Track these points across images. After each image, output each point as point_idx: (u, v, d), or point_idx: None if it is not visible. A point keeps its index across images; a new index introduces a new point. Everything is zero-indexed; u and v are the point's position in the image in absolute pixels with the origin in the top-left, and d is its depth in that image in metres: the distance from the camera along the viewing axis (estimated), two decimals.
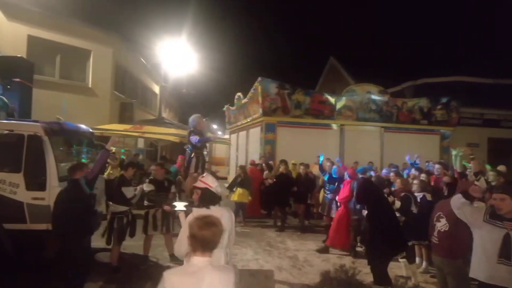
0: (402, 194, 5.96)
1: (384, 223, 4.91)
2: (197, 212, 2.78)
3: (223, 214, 3.08)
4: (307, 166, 9.91)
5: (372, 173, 8.55)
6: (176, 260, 6.42)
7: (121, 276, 5.66)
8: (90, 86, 14.61)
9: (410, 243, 5.90)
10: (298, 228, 9.47)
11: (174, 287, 2.04)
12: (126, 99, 16.93)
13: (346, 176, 7.48)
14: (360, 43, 27.40)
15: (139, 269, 6.06)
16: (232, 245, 3.43)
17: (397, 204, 5.81)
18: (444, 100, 13.40)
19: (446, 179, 6.73)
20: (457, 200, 3.60)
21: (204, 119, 6.95)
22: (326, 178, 8.50)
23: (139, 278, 5.62)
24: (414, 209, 5.76)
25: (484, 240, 3.27)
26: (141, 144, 18.39)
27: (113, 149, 10.73)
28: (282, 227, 9.29)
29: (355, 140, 12.62)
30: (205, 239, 2.12)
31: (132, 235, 6.16)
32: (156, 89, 23.37)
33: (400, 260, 6.02)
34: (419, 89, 17.19)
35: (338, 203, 7.63)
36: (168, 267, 6.01)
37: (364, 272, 5.70)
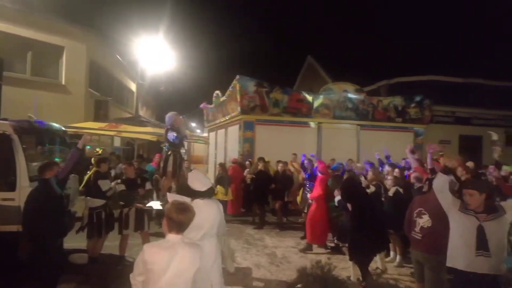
0: (374, 182, 6.27)
1: (368, 221, 4.99)
2: (173, 197, 3.14)
3: (211, 206, 3.54)
4: (285, 163, 10.00)
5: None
6: None
7: (96, 277, 5.55)
8: (63, 83, 14.22)
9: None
10: (276, 225, 9.53)
11: (151, 258, 2.44)
12: (101, 97, 16.55)
13: (316, 172, 7.55)
14: (337, 42, 27.79)
15: (115, 269, 5.96)
16: (224, 233, 3.80)
17: (372, 188, 6.10)
18: (417, 98, 13.75)
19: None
20: (439, 181, 3.65)
21: (181, 117, 6.87)
22: (307, 176, 8.59)
23: (114, 278, 5.52)
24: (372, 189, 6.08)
25: (460, 230, 3.38)
26: (117, 142, 18.06)
27: (99, 150, 10.57)
28: (261, 224, 9.34)
29: (332, 138, 12.78)
30: (180, 222, 2.53)
31: (109, 230, 6.17)
32: (133, 86, 22.96)
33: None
34: (393, 88, 17.58)
35: (310, 200, 7.63)
36: None
37: (340, 267, 5.82)
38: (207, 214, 3.45)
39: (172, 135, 6.44)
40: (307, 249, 7.36)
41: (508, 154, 14.11)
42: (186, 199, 3.18)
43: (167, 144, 6.61)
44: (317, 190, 7.27)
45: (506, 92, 18.11)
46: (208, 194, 3.62)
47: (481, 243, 3.23)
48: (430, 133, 14.77)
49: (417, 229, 4.19)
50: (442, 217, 3.71)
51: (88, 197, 6.05)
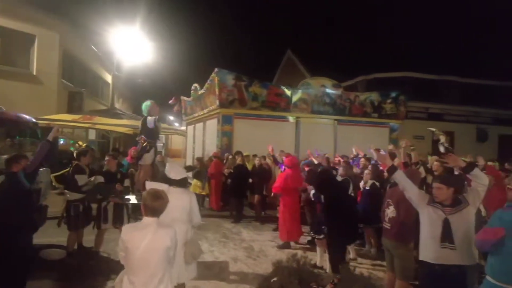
0: (344, 178, 6.38)
1: (342, 213, 5.06)
2: (151, 185, 3.63)
3: (182, 195, 3.92)
4: (263, 157, 10.02)
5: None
6: None
7: (71, 272, 5.42)
8: (34, 73, 13.73)
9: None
10: (254, 218, 9.57)
11: (127, 237, 2.81)
12: (75, 88, 16.09)
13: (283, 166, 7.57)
14: (316, 37, 27.95)
15: (90, 265, 5.84)
16: (197, 222, 4.11)
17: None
18: (393, 94, 14.03)
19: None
20: (400, 178, 3.84)
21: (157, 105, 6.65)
22: (281, 169, 8.63)
23: (88, 274, 5.41)
24: (351, 193, 6.20)
25: (429, 223, 3.50)
26: (92, 135, 17.64)
27: (81, 143, 10.29)
28: (238, 218, 9.35)
29: (310, 132, 12.88)
30: (154, 208, 2.85)
31: (86, 224, 6.11)
32: (109, 78, 22.38)
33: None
34: (370, 84, 17.89)
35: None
36: (120, 262, 5.91)
37: (315, 260, 5.90)
38: (177, 201, 3.67)
39: (152, 120, 6.22)
40: (285, 247, 7.24)
41: (479, 149, 14.67)
42: (164, 186, 3.63)
43: (143, 136, 6.39)
44: (277, 183, 7.24)
45: (477, 89, 18.75)
46: (181, 183, 4.02)
47: (446, 236, 3.35)
48: (405, 129, 15.13)
49: (386, 219, 4.39)
50: (406, 208, 3.88)
51: (66, 190, 6.01)
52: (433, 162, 7.25)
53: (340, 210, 5.02)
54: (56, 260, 5.80)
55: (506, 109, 19.10)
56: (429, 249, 3.48)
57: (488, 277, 2.92)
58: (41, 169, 5.98)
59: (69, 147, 12.80)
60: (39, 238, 6.27)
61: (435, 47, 20.87)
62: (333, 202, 5.11)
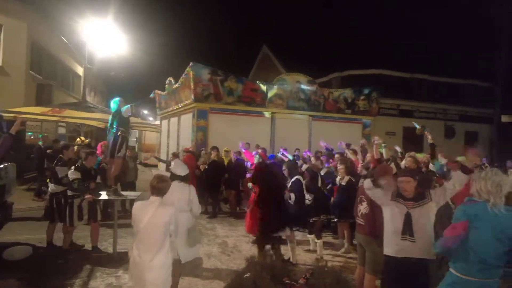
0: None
1: (271, 205, 5.23)
2: (157, 172, 4.49)
3: (184, 188, 4.54)
4: (238, 153, 10.01)
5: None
6: (100, 252, 6.16)
7: (37, 272, 5.26)
8: (0, 64, 13.12)
9: (313, 220, 6.50)
10: (229, 214, 9.57)
11: (135, 211, 3.44)
12: (43, 80, 15.49)
13: (257, 159, 7.61)
14: (292, 33, 28.09)
15: (58, 263, 5.68)
16: (196, 211, 4.68)
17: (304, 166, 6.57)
18: (366, 91, 14.32)
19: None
20: (367, 183, 3.95)
21: (129, 105, 6.40)
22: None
23: (56, 273, 5.27)
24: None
25: (391, 218, 3.60)
26: (62, 129, 17.09)
27: (84, 139, 9.90)
28: (213, 214, 9.33)
29: (285, 127, 13.00)
30: (159, 189, 3.45)
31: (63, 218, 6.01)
32: (80, 70, 21.68)
33: (308, 236, 6.71)
34: (344, 80, 18.17)
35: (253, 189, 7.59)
36: (90, 261, 5.79)
37: (288, 255, 5.97)
38: (181, 194, 4.44)
39: (125, 108, 5.91)
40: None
41: (447, 146, 15.21)
42: (166, 174, 4.32)
43: (115, 127, 6.12)
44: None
45: (445, 87, 19.40)
46: (185, 179, 4.65)
47: (407, 228, 3.45)
48: (377, 125, 15.49)
49: (359, 214, 4.50)
50: (378, 204, 3.97)
51: (50, 183, 6.11)
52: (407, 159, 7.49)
53: (270, 202, 5.19)
54: (22, 260, 5.60)
55: (472, 106, 19.90)
56: (391, 243, 3.57)
57: (451, 270, 3.03)
58: (5, 164, 5.77)
59: (37, 140, 12.37)
60: (4, 235, 6.09)
61: (406, 46, 21.39)
62: (265, 194, 5.25)
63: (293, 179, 6.08)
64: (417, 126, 6.55)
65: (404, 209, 3.51)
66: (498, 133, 18.11)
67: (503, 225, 2.80)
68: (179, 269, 4.41)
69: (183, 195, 4.49)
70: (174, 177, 4.52)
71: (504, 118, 19.99)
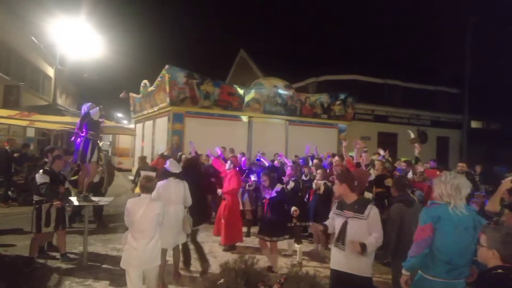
0: (294, 178, 6.62)
1: (195, 199, 5.48)
2: (145, 173, 5.54)
3: (179, 184, 5.24)
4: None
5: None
6: (68, 260, 5.92)
7: (3, 281, 5.00)
8: None
9: (291, 224, 6.43)
10: None
11: (130, 206, 4.08)
12: (11, 81, 14.90)
13: (228, 166, 7.30)
14: (268, 38, 28.34)
15: (24, 273, 5.42)
16: (188, 203, 5.36)
17: (291, 184, 6.47)
18: (341, 96, 14.52)
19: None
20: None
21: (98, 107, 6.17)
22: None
23: (22, 283, 5.02)
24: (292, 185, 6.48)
25: (335, 230, 3.64)
26: (31, 133, 16.46)
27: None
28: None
29: (262, 132, 12.99)
30: (148, 187, 4.19)
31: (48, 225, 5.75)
32: (51, 72, 21.01)
33: (286, 240, 6.56)
34: (320, 86, 18.40)
35: (223, 196, 7.35)
36: (58, 269, 5.55)
37: (265, 260, 5.92)
38: (175, 189, 5.19)
39: (94, 110, 5.73)
40: (231, 249, 7.13)
41: (420, 151, 15.62)
42: (152, 174, 5.49)
43: (84, 130, 5.89)
44: (232, 184, 7.02)
45: (418, 94, 19.96)
46: (179, 175, 5.31)
47: (340, 236, 3.51)
48: (352, 130, 15.74)
49: None
50: None
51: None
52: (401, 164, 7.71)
53: (194, 195, 5.42)
54: None
55: (443, 112, 20.55)
56: (332, 255, 3.65)
57: (420, 272, 3.10)
58: None
59: (3, 144, 11.84)
60: None
61: (381, 52, 21.95)
62: (191, 188, 5.43)
63: (276, 189, 5.84)
64: (412, 136, 6.65)
65: (343, 218, 3.54)
66: (467, 138, 18.75)
67: (466, 223, 2.92)
68: (177, 253, 5.46)
69: (179, 190, 5.22)
70: (169, 174, 5.27)
71: (474, 124, 20.74)
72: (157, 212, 4.09)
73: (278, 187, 5.85)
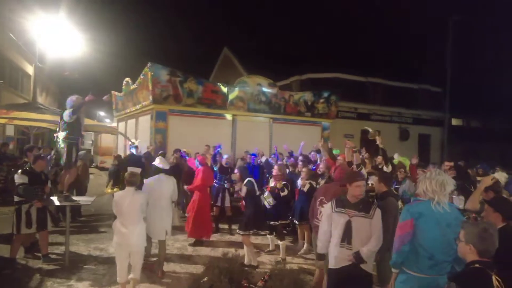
0: (284, 182, 6.60)
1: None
2: (131, 169, 6.28)
3: (168, 180, 5.78)
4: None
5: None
6: (50, 261, 5.84)
7: None
8: None
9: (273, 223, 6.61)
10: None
11: (117, 198, 4.75)
12: None
13: (197, 164, 7.72)
14: (252, 36, 28.31)
15: (4, 274, 5.32)
16: (175, 198, 6.07)
17: (280, 185, 6.52)
18: (325, 94, 14.64)
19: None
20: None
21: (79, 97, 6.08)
22: (216, 168, 8.61)
23: (3, 284, 4.94)
24: (285, 193, 6.55)
25: (334, 229, 3.66)
26: (10, 131, 16.08)
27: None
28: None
29: (246, 130, 12.97)
30: (132, 181, 4.78)
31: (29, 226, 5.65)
32: (30, 69, 20.53)
33: (268, 236, 6.83)
34: (304, 84, 18.51)
35: (189, 192, 7.77)
36: (40, 270, 5.47)
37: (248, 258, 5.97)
38: (166, 185, 5.69)
39: (67, 114, 5.68)
40: (198, 244, 7.22)
41: (401, 148, 15.90)
42: (138, 170, 6.43)
43: (62, 132, 5.83)
44: (197, 181, 7.31)
45: (400, 92, 20.32)
46: (168, 172, 5.90)
47: (346, 236, 3.54)
48: (336, 128, 15.90)
49: (319, 216, 4.47)
50: None
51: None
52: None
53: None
54: None
55: (424, 110, 20.98)
56: (332, 255, 3.65)
57: (403, 268, 3.16)
58: None
59: None
60: None
61: (363, 50, 22.20)
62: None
63: (245, 181, 6.15)
64: (370, 130, 6.75)
65: (346, 217, 3.57)
66: (448, 135, 19.17)
67: (448, 220, 2.99)
68: (163, 247, 5.76)
69: (169, 185, 5.74)
70: (160, 170, 5.80)
71: (455, 121, 21.22)
72: (141, 202, 4.74)
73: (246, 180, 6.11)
